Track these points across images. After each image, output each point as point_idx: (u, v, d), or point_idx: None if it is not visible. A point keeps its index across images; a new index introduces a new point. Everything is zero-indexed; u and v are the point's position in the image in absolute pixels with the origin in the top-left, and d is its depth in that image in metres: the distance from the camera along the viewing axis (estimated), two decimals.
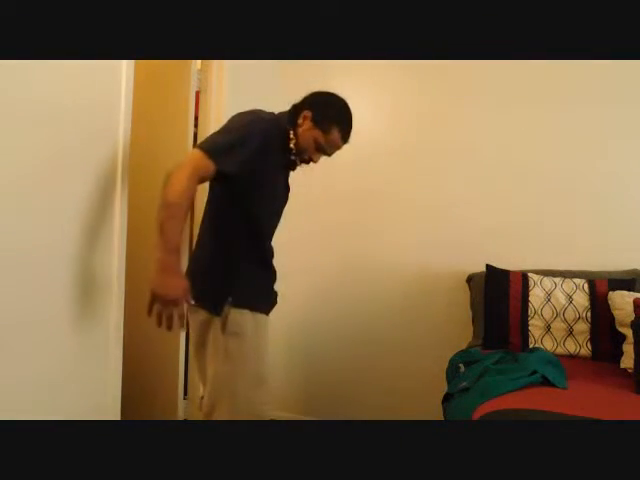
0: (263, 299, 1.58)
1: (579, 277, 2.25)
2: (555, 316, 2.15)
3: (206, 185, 1.54)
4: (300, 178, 1.74)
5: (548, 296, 2.19)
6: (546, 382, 1.71)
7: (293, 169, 1.64)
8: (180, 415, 2.32)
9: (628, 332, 1.92)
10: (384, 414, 2.49)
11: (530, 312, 2.18)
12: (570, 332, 2.13)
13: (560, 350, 2.11)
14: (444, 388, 1.95)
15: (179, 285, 1.31)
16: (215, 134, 1.45)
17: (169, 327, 1.31)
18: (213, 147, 1.38)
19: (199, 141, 1.60)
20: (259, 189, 1.49)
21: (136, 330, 1.76)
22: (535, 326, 2.17)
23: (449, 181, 2.60)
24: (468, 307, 2.46)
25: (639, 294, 2.03)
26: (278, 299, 1.66)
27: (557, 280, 2.23)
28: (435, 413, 1.94)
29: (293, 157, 1.55)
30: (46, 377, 1.27)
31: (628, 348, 1.90)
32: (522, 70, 2.47)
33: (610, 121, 2.43)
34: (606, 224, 2.41)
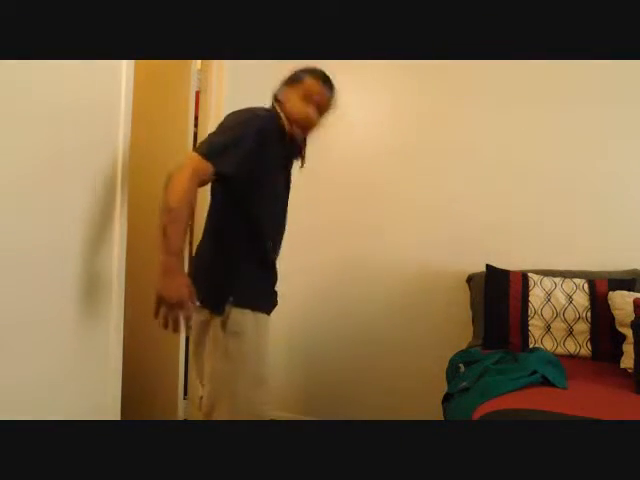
0: (264, 299, 1.58)
1: (579, 277, 2.25)
2: (555, 316, 2.15)
3: (207, 186, 1.54)
4: (300, 178, 1.74)
5: (548, 296, 2.19)
6: (546, 382, 1.71)
7: (296, 158, 1.63)
8: (180, 415, 2.33)
9: (628, 332, 1.92)
10: (384, 414, 2.49)
11: (530, 312, 2.18)
12: (570, 332, 2.13)
13: (560, 350, 2.11)
14: (444, 388, 1.95)
15: (183, 287, 1.31)
16: (211, 135, 1.45)
17: (175, 329, 1.31)
18: (209, 149, 1.38)
19: (199, 141, 1.60)
20: (259, 189, 1.49)
21: (136, 330, 1.76)
22: (535, 326, 2.17)
23: (449, 180, 2.60)
24: (468, 307, 2.46)
25: (639, 294, 2.03)
26: (278, 299, 1.66)
27: (557, 280, 2.23)
28: (435, 413, 1.94)
29: (291, 138, 1.55)
30: (46, 377, 1.27)
31: (628, 348, 1.90)
32: (522, 70, 2.47)
33: (610, 121, 2.43)
34: (606, 224, 2.42)
